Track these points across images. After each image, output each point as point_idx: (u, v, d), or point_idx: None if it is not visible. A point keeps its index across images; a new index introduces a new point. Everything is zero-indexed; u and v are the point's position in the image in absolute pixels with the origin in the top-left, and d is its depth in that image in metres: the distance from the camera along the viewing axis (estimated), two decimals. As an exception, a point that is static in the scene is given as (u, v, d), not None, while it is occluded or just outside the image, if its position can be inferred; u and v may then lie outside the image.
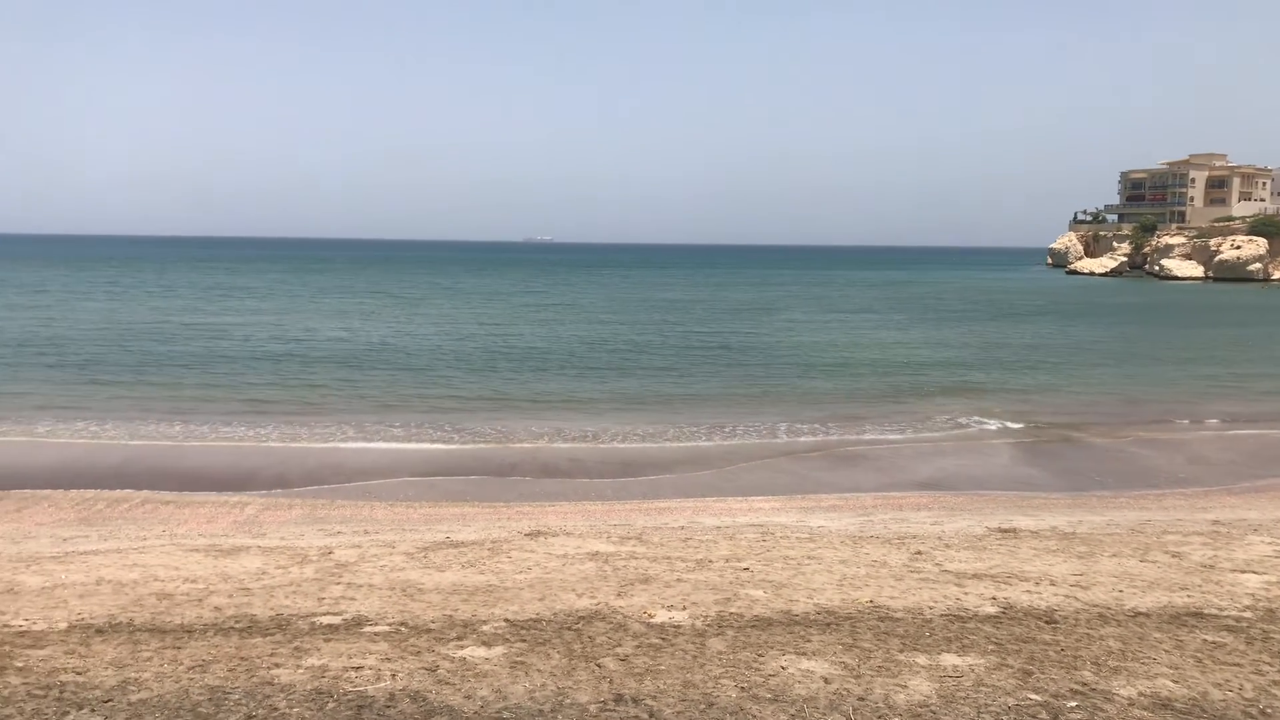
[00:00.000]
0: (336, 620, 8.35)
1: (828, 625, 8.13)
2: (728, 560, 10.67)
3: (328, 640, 7.75)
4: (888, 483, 19.12)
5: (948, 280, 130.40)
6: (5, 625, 8.29)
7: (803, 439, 23.59)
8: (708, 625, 8.14)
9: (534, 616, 8.42)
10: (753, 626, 8.10)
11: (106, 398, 27.86)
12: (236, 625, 8.22)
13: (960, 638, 7.72)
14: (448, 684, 6.78)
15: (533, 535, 12.21)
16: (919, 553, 11.12)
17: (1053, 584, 9.54)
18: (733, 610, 8.58)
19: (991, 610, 8.57)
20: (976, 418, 26.80)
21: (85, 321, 51.33)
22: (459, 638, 7.81)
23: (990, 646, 7.49)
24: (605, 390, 31.11)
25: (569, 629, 8.04)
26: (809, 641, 7.69)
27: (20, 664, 7.22)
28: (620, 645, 7.60)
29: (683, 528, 13.05)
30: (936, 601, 8.85)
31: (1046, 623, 8.16)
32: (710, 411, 27.22)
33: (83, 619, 8.47)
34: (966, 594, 9.14)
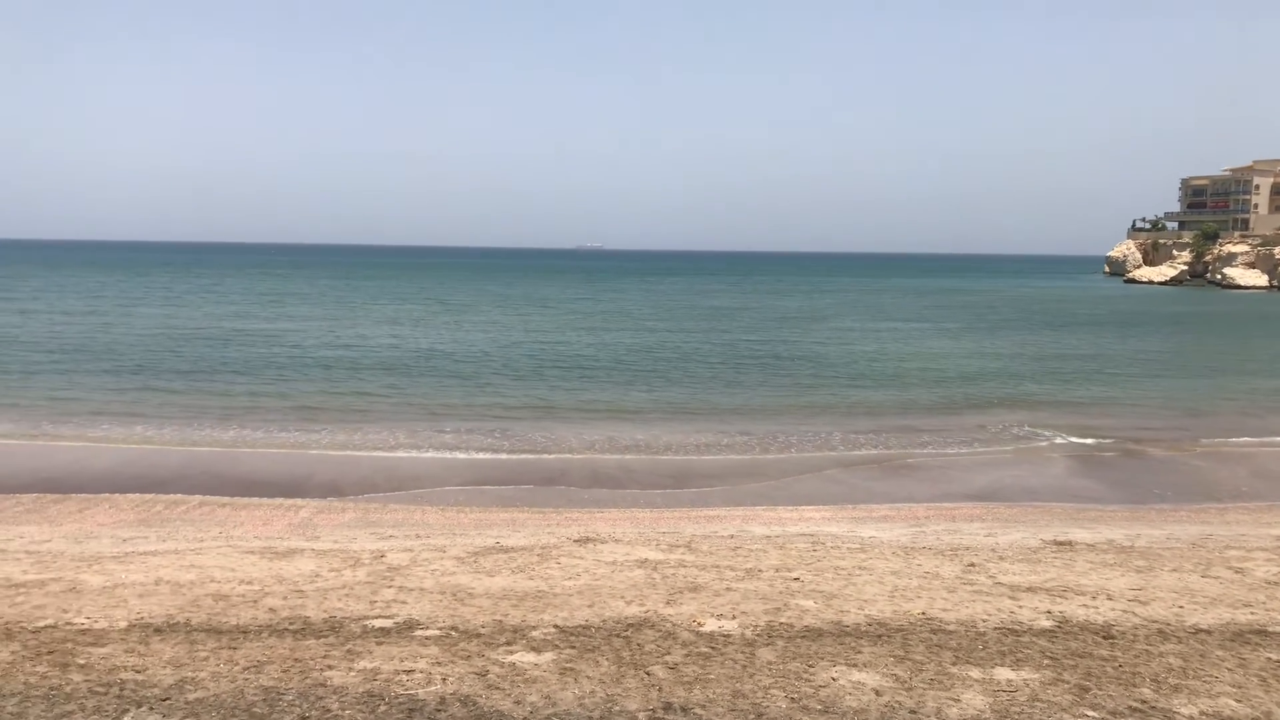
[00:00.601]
0: (388, 623, 8.43)
1: (879, 637, 8.05)
2: (777, 570, 10.61)
3: (380, 643, 7.83)
4: (940, 493, 18.89)
5: (1001, 288, 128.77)
6: (68, 623, 8.48)
7: (854, 449, 23.41)
8: (757, 635, 8.09)
9: (583, 623, 8.44)
10: (803, 637, 8.04)
11: (160, 403, 28.42)
12: (290, 627, 8.33)
13: (1014, 651, 7.60)
14: (498, 689, 6.82)
15: (582, 542, 12.24)
16: (972, 564, 10.97)
17: (1110, 598, 9.36)
18: (783, 620, 8.52)
19: (1046, 624, 8.42)
20: (1031, 428, 26.39)
21: (141, 327, 52.45)
22: (509, 643, 7.85)
23: (1045, 661, 7.36)
24: (654, 398, 31.12)
25: (618, 636, 8.05)
26: (860, 653, 7.62)
27: (82, 661, 7.38)
28: (669, 653, 7.58)
29: (732, 536, 13.00)
30: (990, 614, 8.72)
31: (1104, 638, 8.01)
32: (760, 420, 27.12)
33: (142, 618, 8.64)
34: (1021, 607, 8.99)
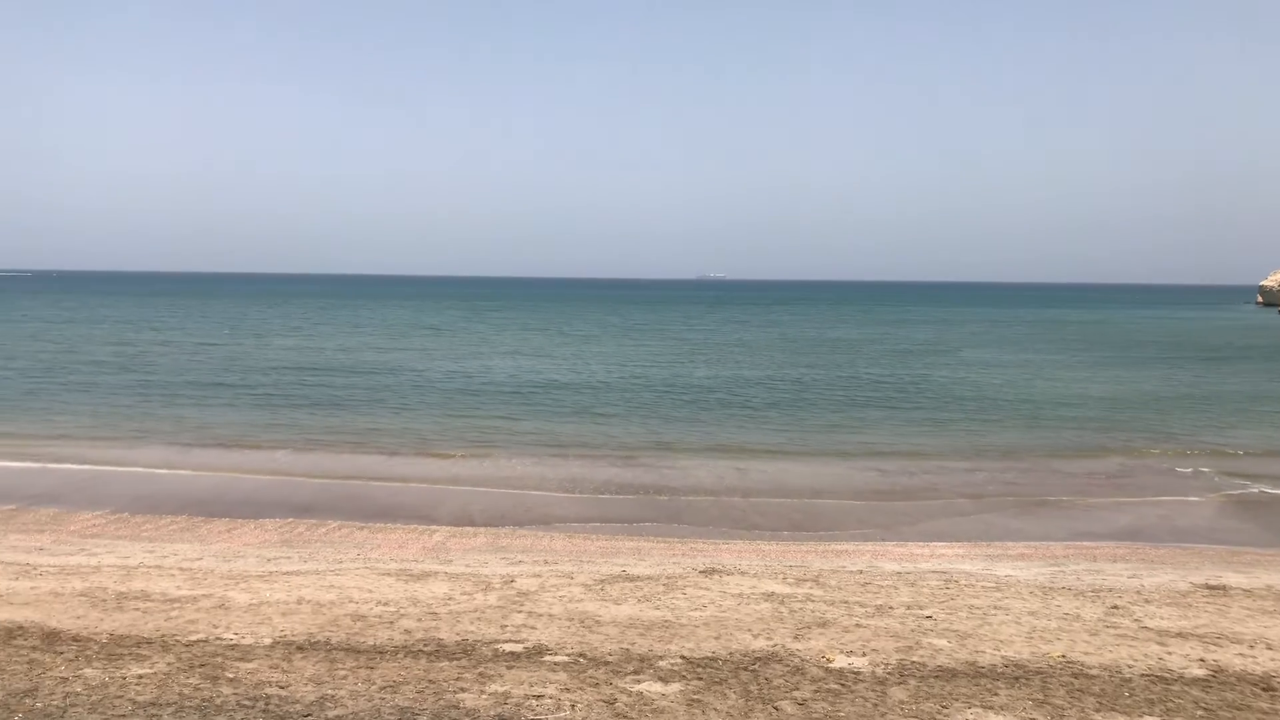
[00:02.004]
0: (518, 648, 8.57)
1: (1016, 679, 7.77)
2: (909, 607, 10.36)
3: (510, 668, 7.96)
4: (1080, 531, 18.11)
5: (1144, 318, 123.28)
6: (218, 638, 8.90)
7: (988, 484, 22.69)
8: (889, 673, 7.92)
9: (710, 655, 8.41)
10: (936, 677, 7.83)
11: (298, 430, 29.62)
12: (425, 648, 8.55)
13: (1164, 700, 7.24)
14: (625, 718, 6.85)
15: (707, 573, 12.20)
16: (1115, 607, 10.49)
17: (1269, 648, 8.82)
18: (915, 659, 8.32)
19: (1199, 673, 7.99)
20: (1178, 466, 25.10)
21: (278, 357, 54.78)
22: (636, 672, 7.88)
23: (1199, 712, 6.99)
24: (776, 431, 30.84)
25: (745, 669, 7.99)
26: (996, 695, 7.38)
27: (231, 675, 7.73)
28: (798, 689, 7.49)
29: (861, 572, 12.75)
30: (1136, 660, 8.33)
31: (1263, 689, 7.55)
32: (887, 454, 26.57)
33: (285, 636, 8.99)
34: (1170, 654, 8.56)
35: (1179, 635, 9.24)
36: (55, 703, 7.03)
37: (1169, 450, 27.48)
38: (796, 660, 8.26)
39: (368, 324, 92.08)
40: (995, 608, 10.36)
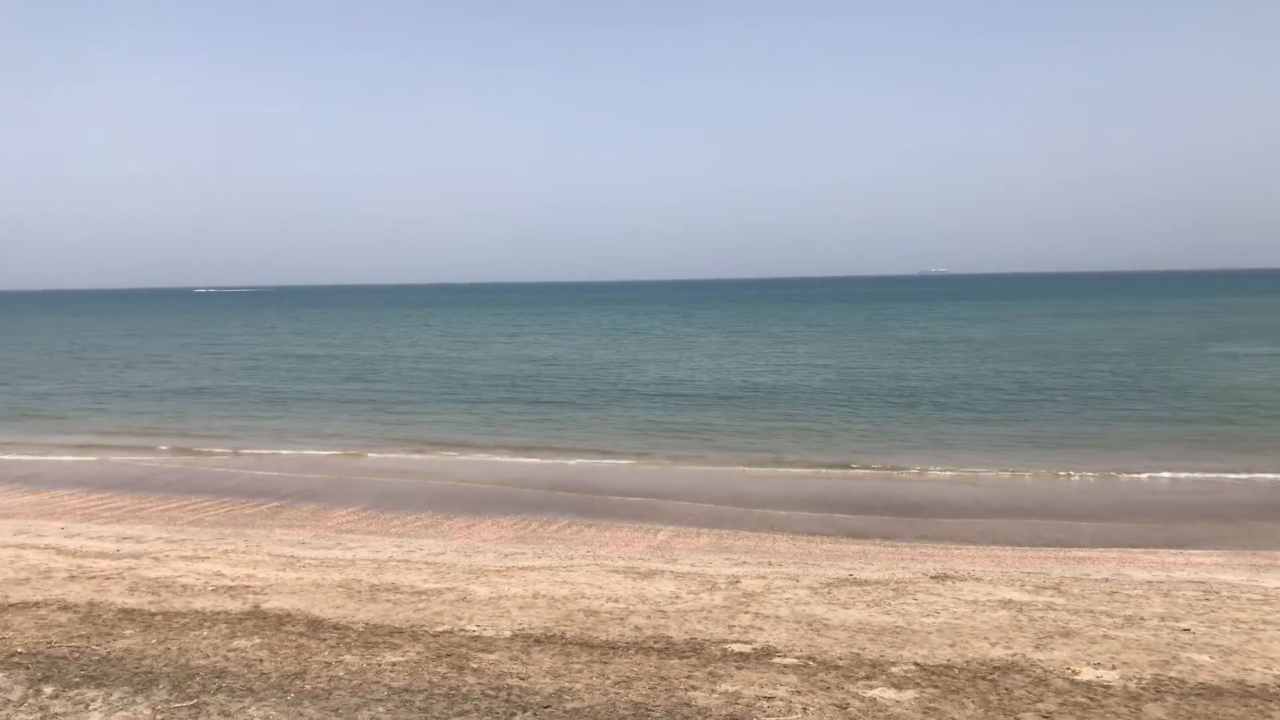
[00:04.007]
0: (746, 649, 8.58)
1: (1294, 701, 7.09)
2: (1162, 619, 9.65)
3: (739, 668, 7.98)
4: (1364, 541, 16.33)
5: None
6: (461, 629, 9.38)
7: (1248, 487, 20.83)
8: (1142, 688, 7.41)
9: (945, 662, 8.13)
10: (1197, 694, 7.26)
11: (522, 430, 30.85)
12: (655, 646, 8.70)
13: None
14: (859, 723, 6.73)
15: (939, 578, 11.80)
16: None
17: None
18: (1172, 674, 7.74)
19: None
20: None
21: (497, 359, 57.22)
22: (868, 677, 7.73)
23: None
24: (1005, 429, 29.48)
25: (983, 679, 7.68)
26: (1270, 717, 6.76)
27: (475, 665, 8.13)
28: (1042, 701, 7.13)
29: (1107, 580, 11.99)
30: None
31: None
32: (1130, 455, 24.87)
33: (523, 629, 9.38)
34: None
35: None
36: (321, 685, 7.60)
37: None
38: (1039, 671, 7.86)
39: (574, 328, 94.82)
40: (1265, 622, 9.49)
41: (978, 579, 11.81)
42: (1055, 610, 10.05)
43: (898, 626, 9.40)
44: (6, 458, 26.36)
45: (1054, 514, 18.69)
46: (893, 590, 11.06)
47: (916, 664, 8.09)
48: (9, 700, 7.18)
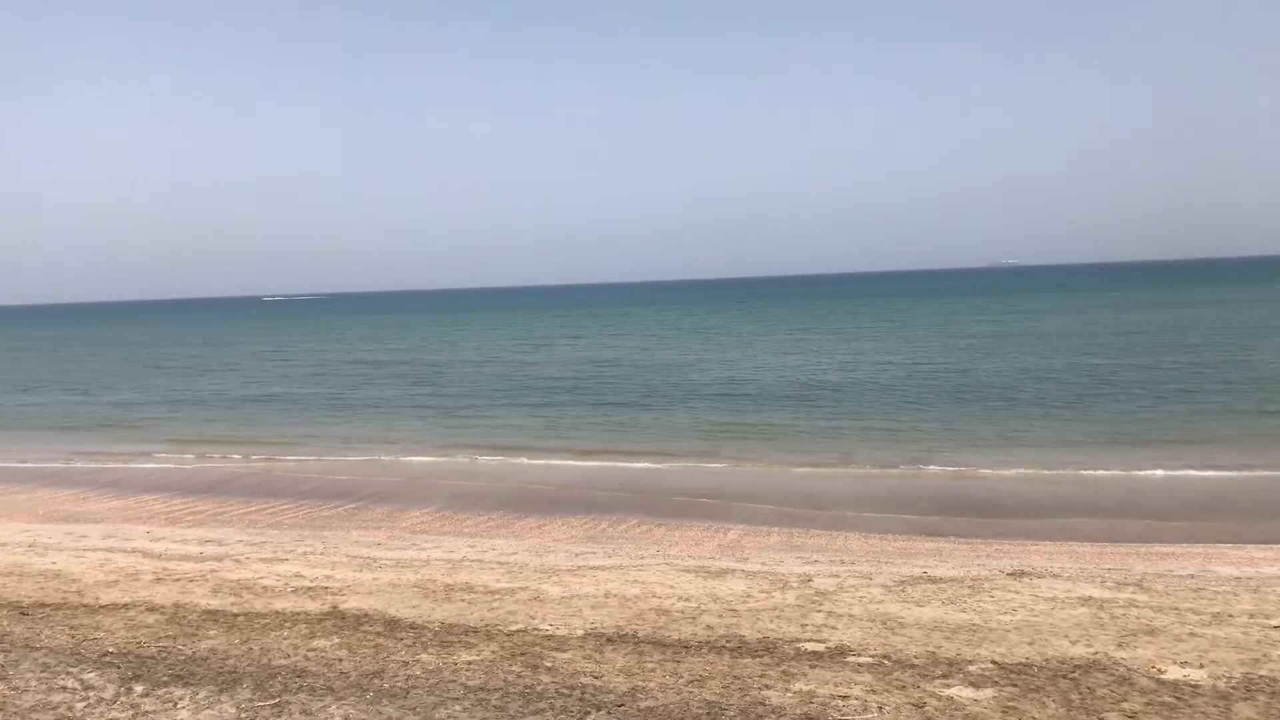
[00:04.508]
0: (820, 647, 8.52)
1: (1396, 702, 6.83)
2: (1252, 616, 9.37)
3: (813, 666, 7.93)
4: None
5: None
6: (535, 628, 9.46)
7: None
8: (1232, 687, 7.20)
9: (1023, 660, 7.99)
10: (1292, 694, 7.03)
11: (587, 432, 31.01)
12: (727, 644, 8.68)
13: None
14: (937, 722, 6.64)
15: (1016, 575, 11.60)
16: None
17: None
18: (1263, 673, 7.51)
19: None
20: None
21: (561, 361, 57.51)
22: (944, 676, 7.62)
23: None
24: (1087, 425, 28.83)
25: (1064, 677, 7.53)
26: (1369, 718, 6.53)
27: (549, 664, 8.19)
28: (1126, 700, 6.97)
29: (1192, 576, 11.67)
30: None
31: None
32: (1215, 448, 24.16)
33: (595, 628, 9.43)
34: None
35: None
36: (399, 684, 7.72)
37: None
38: (1122, 669, 7.68)
39: (633, 329, 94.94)
40: (1361, 619, 9.16)
41: (1056, 575, 11.58)
42: (1138, 607, 9.81)
43: (974, 624, 9.26)
44: (91, 465, 27.23)
45: (1133, 511, 18.22)
46: (968, 588, 10.90)
47: (994, 662, 7.96)
48: (102, 698, 7.42)
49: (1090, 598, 10.29)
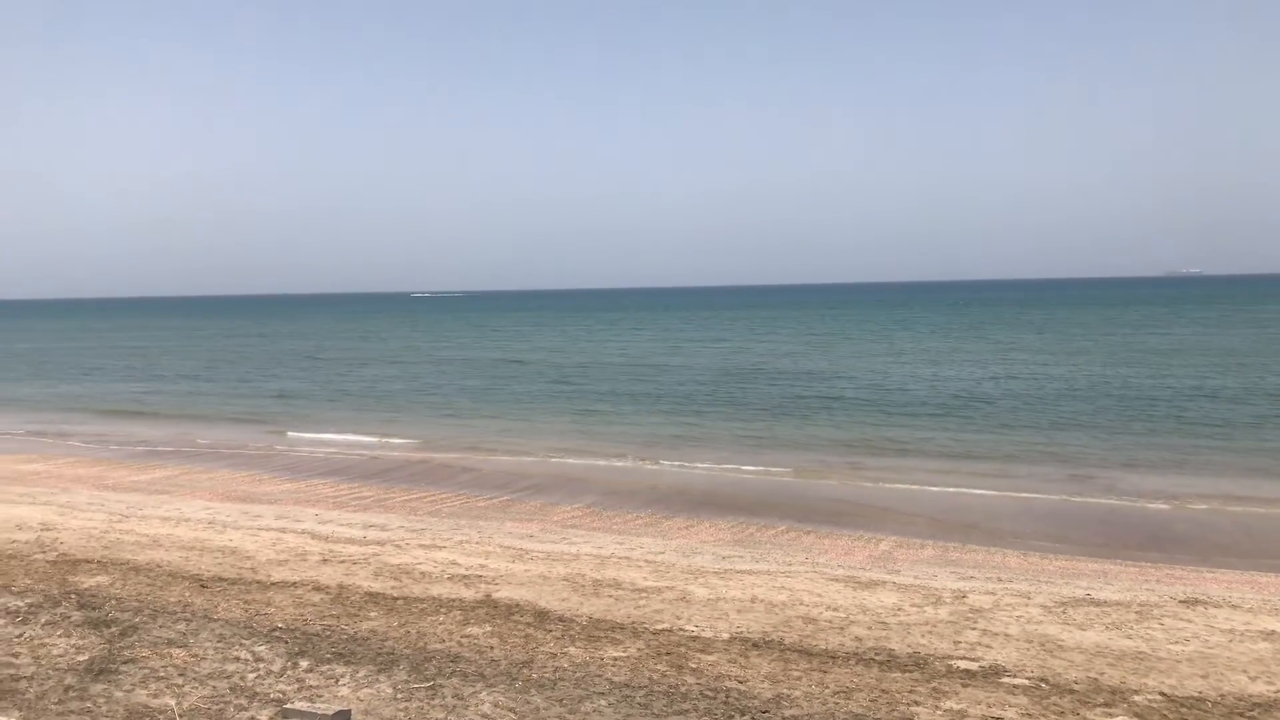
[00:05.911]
0: (973, 666, 8.26)
1: None
2: None
3: (965, 685, 7.70)
4: None
5: None
6: (680, 629, 9.51)
7: None
8: None
9: (1195, 694, 7.55)
10: None
11: (735, 436, 30.84)
12: (876, 657, 8.52)
13: None
14: (1098, 753, 6.35)
15: (1189, 603, 10.95)
16: None
17: None
18: None
19: None
20: None
21: (706, 366, 57.39)
22: (1106, 704, 7.28)
23: None
24: (1272, 451, 26.91)
25: (1241, 715, 7.09)
26: None
27: (694, 665, 8.22)
28: (1312, 745, 6.49)
29: (1390, 615, 10.76)
30: None
31: None
32: None
33: (741, 632, 9.40)
34: None
35: None
36: (547, 675, 7.89)
37: None
38: (1310, 712, 7.17)
39: (783, 333, 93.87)
40: None
41: (1234, 606, 10.88)
42: (1329, 646, 9.12)
43: (1141, 652, 8.80)
44: (259, 450, 28.85)
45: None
46: (1135, 613, 10.36)
47: (1163, 694, 7.55)
48: (271, 670, 7.86)
49: (1274, 632, 9.62)
